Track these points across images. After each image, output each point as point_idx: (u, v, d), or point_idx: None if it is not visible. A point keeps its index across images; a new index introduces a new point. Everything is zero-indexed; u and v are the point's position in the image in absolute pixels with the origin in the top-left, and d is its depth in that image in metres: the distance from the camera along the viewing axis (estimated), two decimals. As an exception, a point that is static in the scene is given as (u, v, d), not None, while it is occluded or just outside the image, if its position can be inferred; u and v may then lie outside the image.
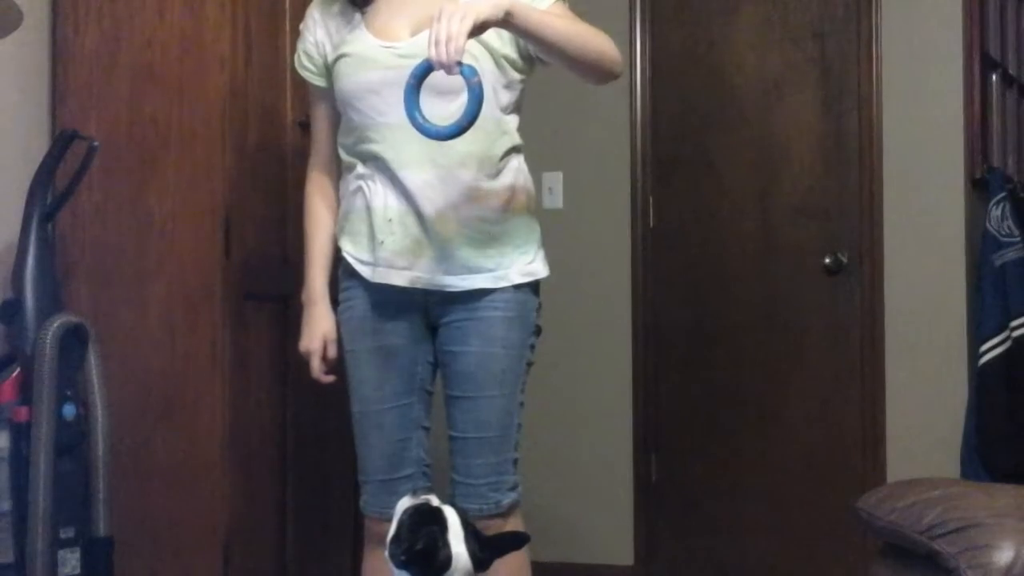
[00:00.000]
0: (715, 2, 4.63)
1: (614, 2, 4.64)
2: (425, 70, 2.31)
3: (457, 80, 2.31)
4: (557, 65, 2.56)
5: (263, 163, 3.30)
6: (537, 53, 2.58)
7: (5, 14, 2.68)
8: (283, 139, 3.39)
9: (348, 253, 2.67)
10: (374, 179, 2.60)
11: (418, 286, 2.59)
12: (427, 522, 2.20)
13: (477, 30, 2.29)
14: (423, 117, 2.32)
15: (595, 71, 2.55)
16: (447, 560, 2.17)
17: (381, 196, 2.59)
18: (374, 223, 2.60)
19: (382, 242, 2.59)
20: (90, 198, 3.15)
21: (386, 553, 2.25)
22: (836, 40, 4.45)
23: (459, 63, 2.27)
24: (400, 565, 2.20)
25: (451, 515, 2.21)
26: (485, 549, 2.23)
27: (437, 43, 2.25)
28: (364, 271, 2.63)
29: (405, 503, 2.28)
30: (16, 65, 3.16)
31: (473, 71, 2.28)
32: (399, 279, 2.59)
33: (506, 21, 2.35)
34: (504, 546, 2.32)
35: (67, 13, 3.22)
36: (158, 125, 3.15)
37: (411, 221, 2.57)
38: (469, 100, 2.28)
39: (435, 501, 2.26)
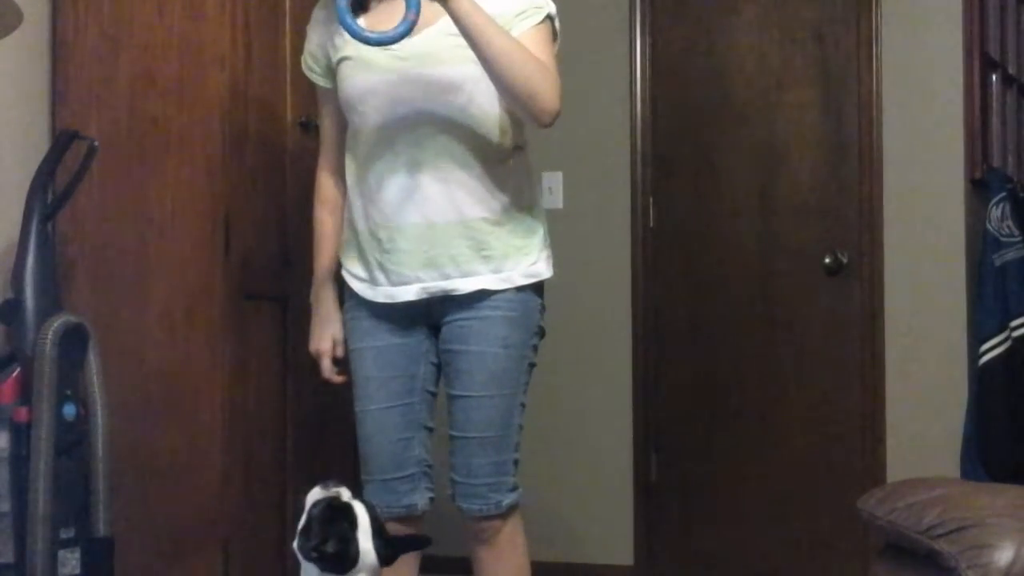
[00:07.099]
0: (715, 2, 4.63)
1: (614, 2, 4.64)
2: None
3: (457, 77, 2.34)
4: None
5: (263, 163, 3.30)
6: None
7: (5, 14, 2.68)
8: (283, 139, 3.39)
9: (347, 271, 2.69)
10: (373, 189, 2.60)
11: (424, 296, 2.60)
12: (338, 518, 2.23)
13: None
14: (358, 25, 2.40)
15: (521, 105, 2.51)
16: (356, 557, 2.22)
17: (377, 211, 2.60)
18: (364, 243, 2.62)
19: (380, 263, 2.60)
20: (90, 198, 3.15)
21: (294, 544, 2.27)
22: (836, 40, 4.44)
23: None
24: (309, 559, 2.24)
25: (361, 511, 2.25)
26: (390, 547, 2.28)
27: None
28: (361, 288, 2.65)
29: (316, 495, 2.29)
30: (16, 65, 3.15)
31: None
32: (406, 294, 2.61)
33: (446, 4, 2.37)
34: (407, 546, 2.40)
35: (67, 13, 3.22)
36: (158, 125, 3.15)
37: (412, 228, 2.57)
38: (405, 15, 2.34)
39: (346, 495, 2.28)
